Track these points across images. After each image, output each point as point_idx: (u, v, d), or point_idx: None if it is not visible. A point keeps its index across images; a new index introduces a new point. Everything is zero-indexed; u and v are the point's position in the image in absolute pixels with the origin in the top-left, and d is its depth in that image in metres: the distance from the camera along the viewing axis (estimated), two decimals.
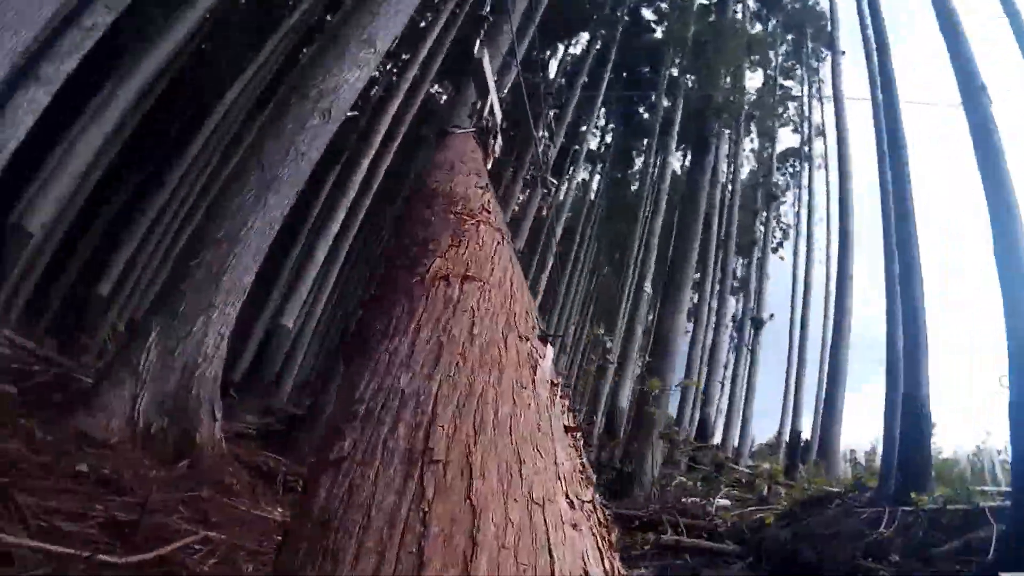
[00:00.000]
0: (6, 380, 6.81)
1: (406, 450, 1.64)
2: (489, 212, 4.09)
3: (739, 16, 29.49)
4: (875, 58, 16.64)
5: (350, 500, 1.50)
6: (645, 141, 34.47)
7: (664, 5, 33.38)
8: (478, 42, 8.93)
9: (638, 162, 39.25)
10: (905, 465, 9.61)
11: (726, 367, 29.39)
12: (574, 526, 1.57)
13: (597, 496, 1.93)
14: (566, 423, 2.27)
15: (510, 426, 1.86)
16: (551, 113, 28.78)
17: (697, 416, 25.18)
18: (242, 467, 6.89)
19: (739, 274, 32.72)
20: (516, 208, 27.18)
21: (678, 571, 6.85)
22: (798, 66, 33.28)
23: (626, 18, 32.35)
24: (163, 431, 6.07)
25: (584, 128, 33.52)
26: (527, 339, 2.62)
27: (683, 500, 11.06)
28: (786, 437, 25.90)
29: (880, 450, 14.59)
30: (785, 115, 33.14)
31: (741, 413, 28.04)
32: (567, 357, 37.71)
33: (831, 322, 22.35)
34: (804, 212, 32.90)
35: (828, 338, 23.37)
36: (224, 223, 7.00)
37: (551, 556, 1.39)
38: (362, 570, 1.28)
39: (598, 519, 1.77)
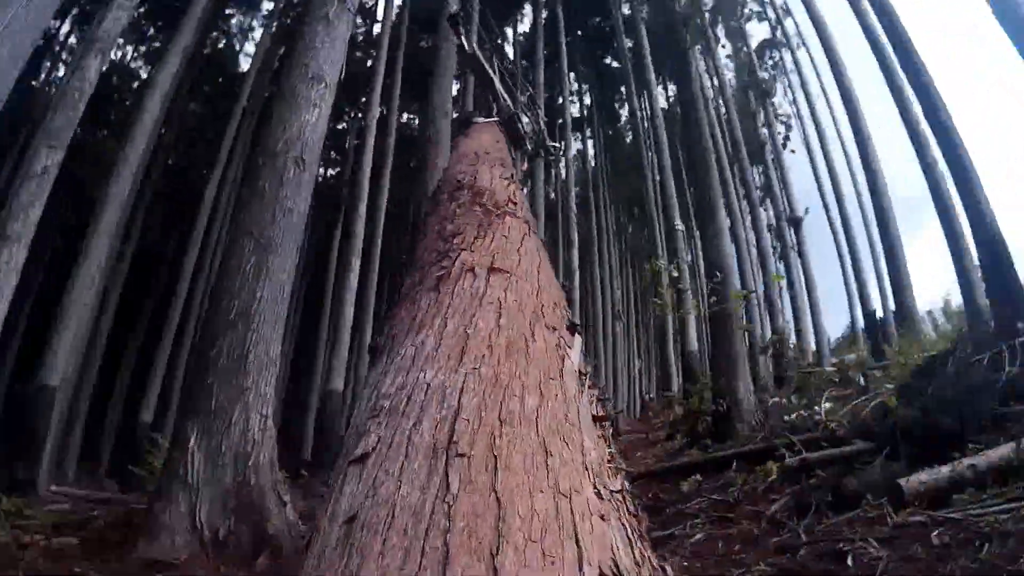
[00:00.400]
0: (66, 533, 6.53)
1: (431, 444, 1.67)
2: (515, 203, 4.18)
3: None
4: None
5: (375, 496, 1.52)
6: (623, 89, 33.99)
7: None
8: (463, 39, 8.83)
9: (623, 113, 38.91)
10: (998, 296, 9.39)
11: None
12: (602, 517, 1.59)
13: (626, 485, 1.97)
14: (595, 412, 2.32)
15: (536, 417, 1.88)
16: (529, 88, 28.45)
17: (769, 331, 24.96)
18: None
19: (759, 182, 32.01)
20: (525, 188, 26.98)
21: (816, 489, 6.29)
22: None
23: None
24: (231, 532, 5.68)
25: (561, 100, 32.93)
26: (555, 329, 2.66)
27: (786, 418, 10.53)
28: (860, 323, 25.72)
29: (956, 299, 14.32)
30: (747, 10, 32.46)
31: (809, 314, 27.47)
32: (622, 324, 37.18)
33: (865, 195, 22.16)
34: (801, 96, 32.40)
35: (868, 210, 23.56)
36: (233, 303, 6.66)
37: (579, 547, 1.40)
38: (387, 566, 1.29)
39: (628, 509, 1.82)
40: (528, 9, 33.67)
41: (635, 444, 15.65)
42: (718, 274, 12.62)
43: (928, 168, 12.97)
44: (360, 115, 27.22)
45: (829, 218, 28.90)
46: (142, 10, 25.86)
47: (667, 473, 9.21)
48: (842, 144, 28.14)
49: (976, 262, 10.66)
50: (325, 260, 24.96)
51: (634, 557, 1.56)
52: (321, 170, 36.62)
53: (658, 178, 23.76)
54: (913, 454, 5.89)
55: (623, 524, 1.67)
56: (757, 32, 39.09)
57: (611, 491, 1.78)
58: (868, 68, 15.45)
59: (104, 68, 13.38)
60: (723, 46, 31.61)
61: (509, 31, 34.75)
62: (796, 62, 31.93)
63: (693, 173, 16.62)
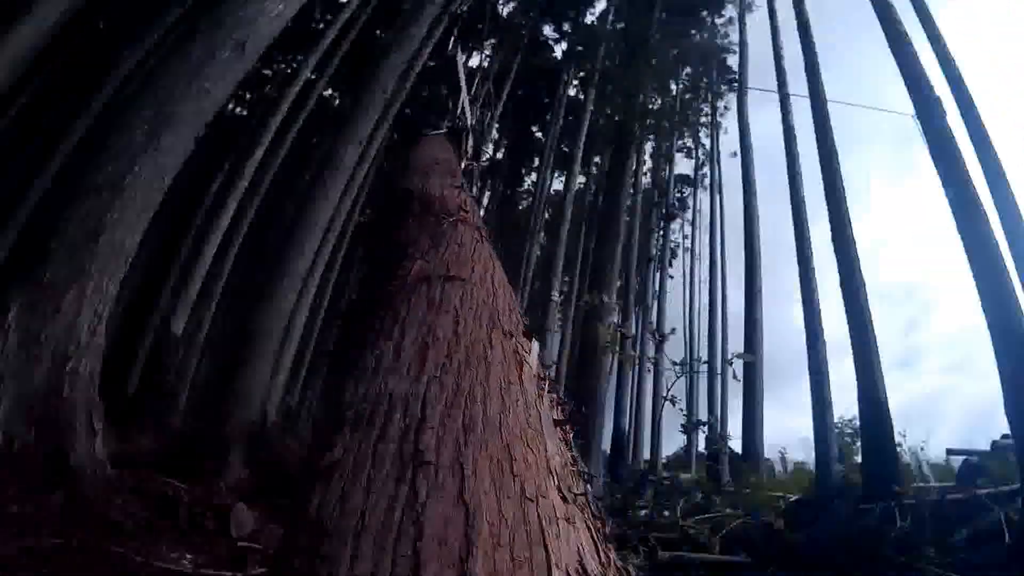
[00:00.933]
0: None
1: (396, 453, 1.64)
2: (466, 211, 4.19)
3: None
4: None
5: (343, 506, 1.47)
6: (537, 160, 34.60)
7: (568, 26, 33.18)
8: (452, 40, 8.46)
9: (527, 180, 39.47)
10: (872, 462, 10.03)
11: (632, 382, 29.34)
12: (568, 520, 1.62)
13: (589, 489, 1.98)
14: (555, 417, 2.35)
15: (499, 424, 1.88)
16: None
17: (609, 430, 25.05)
18: (135, 497, 5.38)
19: (637, 291, 32.78)
20: None
21: None
22: (697, 98, 34.16)
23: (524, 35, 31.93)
24: (30, 447, 4.56)
25: (488, 157, 32.91)
26: (512, 335, 2.65)
27: (633, 514, 10.41)
28: (696, 448, 26.44)
29: (792, 455, 15.18)
30: (680, 142, 33.80)
31: (649, 427, 28.60)
32: None
33: (733, 339, 23.20)
34: (700, 232, 34.84)
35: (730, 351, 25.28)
36: (106, 165, 5.59)
37: (547, 551, 1.41)
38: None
39: (592, 512, 1.84)
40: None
41: None
42: None
43: (813, 338, 13.59)
44: (289, 70, 25.78)
45: (690, 347, 29.77)
46: None
47: None
48: (723, 287, 30.34)
49: (836, 427, 11.99)
50: (199, 195, 22.48)
51: (599, 559, 1.59)
52: (230, 106, 35.17)
53: (537, 253, 24.07)
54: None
55: (588, 527, 1.69)
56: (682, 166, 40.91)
57: (575, 494, 1.78)
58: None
59: None
60: (644, 162, 32.48)
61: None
62: (711, 204, 33.89)
63: (597, 261, 16.69)
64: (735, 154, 28.75)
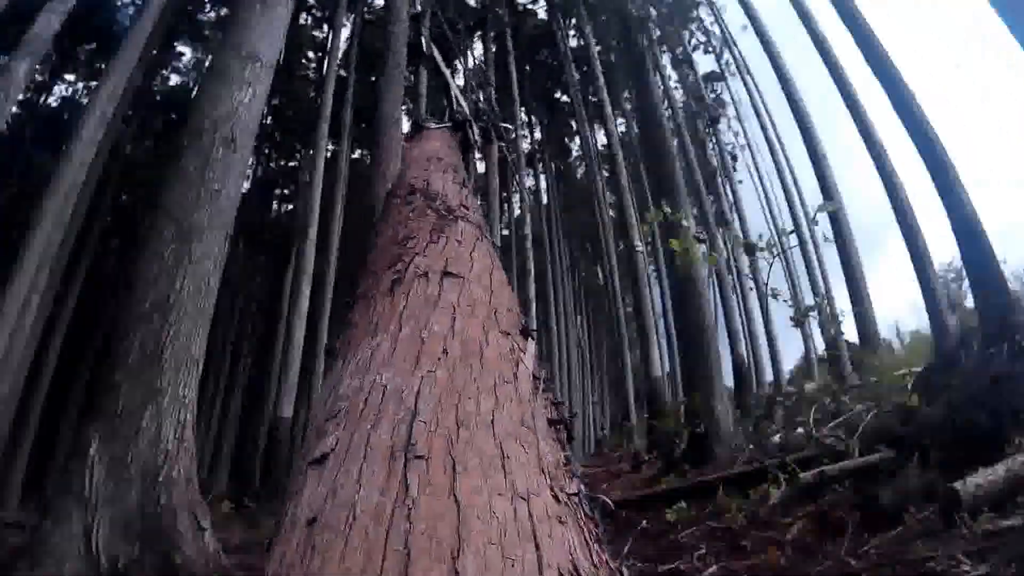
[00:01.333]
0: None
1: (389, 446, 1.68)
2: (467, 208, 4.22)
3: None
4: None
5: (335, 498, 1.52)
6: (573, 124, 34.43)
7: None
8: (423, 40, 8.56)
9: (574, 148, 39.55)
10: (983, 299, 9.14)
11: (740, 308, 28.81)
12: (560, 519, 1.61)
13: (583, 489, 1.96)
14: (550, 416, 2.32)
15: (492, 420, 1.92)
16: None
17: (729, 361, 24.33)
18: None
19: (713, 211, 32.08)
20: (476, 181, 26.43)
21: (838, 507, 5.64)
22: None
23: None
24: (136, 561, 4.65)
25: (513, 135, 32.71)
26: (508, 334, 2.66)
27: (774, 439, 9.81)
28: (814, 353, 25.51)
29: (904, 326, 14.76)
30: (693, 40, 32.89)
31: (766, 345, 27.62)
32: (579, 358, 36.52)
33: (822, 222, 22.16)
34: (751, 124, 33.57)
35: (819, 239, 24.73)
36: (147, 292, 5.74)
37: (538, 550, 1.41)
38: (349, 568, 1.28)
39: (584, 512, 1.83)
40: (478, 46, 33.26)
41: (597, 477, 14.80)
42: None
43: (887, 178, 13.47)
44: (312, 152, 26.43)
45: (782, 247, 29.02)
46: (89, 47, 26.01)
47: (648, 501, 8.27)
48: (790, 172, 29.85)
49: (939, 279, 11.26)
50: (279, 290, 24.71)
51: (592, 560, 1.56)
52: (275, 205, 36.15)
53: (611, 215, 23.76)
54: (946, 458, 5.36)
55: (580, 527, 1.67)
56: (703, 62, 40.04)
57: (568, 494, 1.78)
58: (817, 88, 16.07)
59: (35, 75, 13.20)
60: (669, 77, 31.76)
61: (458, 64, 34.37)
62: (746, 86, 32.74)
63: (655, 186, 16.39)
64: (745, 27, 27.99)
